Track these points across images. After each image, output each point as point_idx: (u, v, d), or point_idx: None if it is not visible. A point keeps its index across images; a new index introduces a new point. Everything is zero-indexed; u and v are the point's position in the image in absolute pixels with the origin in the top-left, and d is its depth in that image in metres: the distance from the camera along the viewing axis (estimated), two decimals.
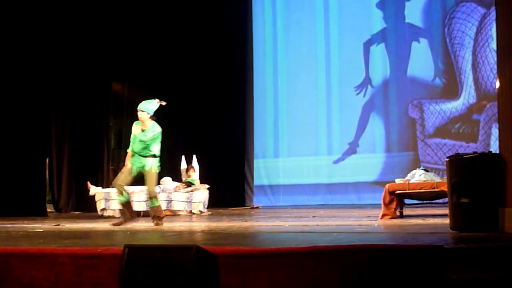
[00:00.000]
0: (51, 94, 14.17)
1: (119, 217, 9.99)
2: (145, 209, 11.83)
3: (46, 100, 13.93)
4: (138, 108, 9.06)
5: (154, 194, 9.10)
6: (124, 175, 9.05)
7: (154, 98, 9.16)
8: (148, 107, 9.02)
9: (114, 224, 9.00)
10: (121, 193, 9.04)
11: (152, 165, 8.95)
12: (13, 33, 13.26)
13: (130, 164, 8.99)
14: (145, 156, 8.95)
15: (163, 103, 9.10)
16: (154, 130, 8.96)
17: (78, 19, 14.43)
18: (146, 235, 7.15)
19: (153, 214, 9.12)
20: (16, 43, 13.31)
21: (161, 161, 9.11)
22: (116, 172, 15.05)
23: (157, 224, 8.88)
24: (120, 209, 9.44)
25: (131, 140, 9.14)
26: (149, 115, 9.00)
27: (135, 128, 9.07)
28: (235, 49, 15.95)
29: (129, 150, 9.11)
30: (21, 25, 13.33)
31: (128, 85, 15.48)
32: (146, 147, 8.92)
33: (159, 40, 15.50)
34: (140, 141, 8.94)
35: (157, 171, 9.11)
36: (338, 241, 5.53)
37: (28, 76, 13.42)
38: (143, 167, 8.95)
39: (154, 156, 8.98)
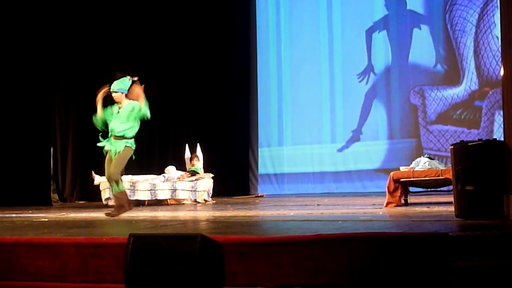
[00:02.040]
0: (55, 84, 14.18)
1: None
2: (149, 198, 11.87)
3: (50, 90, 13.91)
4: (111, 90, 8.76)
5: (116, 177, 8.55)
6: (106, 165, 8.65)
7: (126, 76, 8.87)
8: (121, 86, 8.76)
9: (107, 214, 8.59)
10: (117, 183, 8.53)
11: (120, 146, 8.56)
12: (17, 23, 13.23)
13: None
14: (122, 138, 8.61)
15: (135, 78, 8.80)
16: (134, 104, 8.58)
17: (83, 8, 14.42)
18: (151, 224, 7.15)
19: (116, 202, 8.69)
20: (20, 32, 13.28)
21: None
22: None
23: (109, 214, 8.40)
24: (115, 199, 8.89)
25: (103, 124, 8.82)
26: (123, 94, 8.72)
27: (113, 110, 8.79)
28: (238, 38, 15.92)
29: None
30: (25, 15, 13.30)
31: (132, 75, 15.44)
32: (126, 126, 8.61)
33: (162, 29, 15.49)
34: (121, 121, 8.63)
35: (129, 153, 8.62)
36: (343, 229, 5.51)
37: (32, 67, 13.39)
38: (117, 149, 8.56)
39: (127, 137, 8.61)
